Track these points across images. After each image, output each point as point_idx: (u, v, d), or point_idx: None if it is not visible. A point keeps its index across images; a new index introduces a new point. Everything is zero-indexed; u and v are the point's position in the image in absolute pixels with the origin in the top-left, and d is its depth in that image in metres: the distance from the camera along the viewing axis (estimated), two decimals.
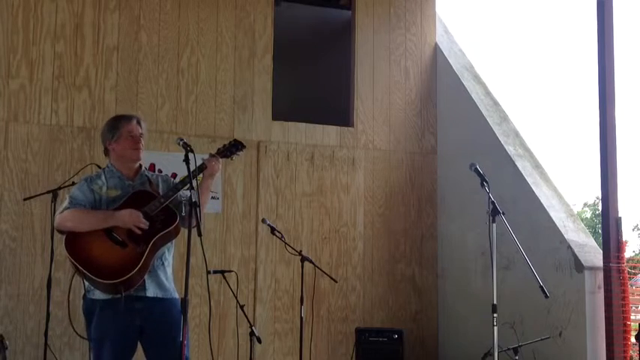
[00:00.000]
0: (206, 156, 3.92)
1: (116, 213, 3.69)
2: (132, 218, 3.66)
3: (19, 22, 6.22)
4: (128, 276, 3.61)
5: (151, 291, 3.74)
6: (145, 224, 3.67)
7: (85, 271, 3.61)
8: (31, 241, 6.03)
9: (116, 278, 3.60)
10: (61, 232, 3.76)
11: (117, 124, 3.89)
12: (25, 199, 5.72)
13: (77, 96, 6.32)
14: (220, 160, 3.91)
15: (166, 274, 3.84)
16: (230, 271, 5.35)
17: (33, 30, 6.25)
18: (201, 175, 3.90)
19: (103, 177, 3.86)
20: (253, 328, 4.91)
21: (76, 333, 3.83)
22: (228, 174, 6.60)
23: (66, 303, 6.00)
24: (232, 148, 3.98)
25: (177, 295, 3.83)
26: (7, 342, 4.94)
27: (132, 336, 3.73)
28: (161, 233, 3.70)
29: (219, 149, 3.99)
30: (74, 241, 3.67)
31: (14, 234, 6.00)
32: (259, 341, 4.88)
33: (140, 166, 3.95)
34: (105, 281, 3.61)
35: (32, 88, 6.20)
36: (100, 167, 5.60)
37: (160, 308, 3.73)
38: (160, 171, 6.22)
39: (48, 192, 5.50)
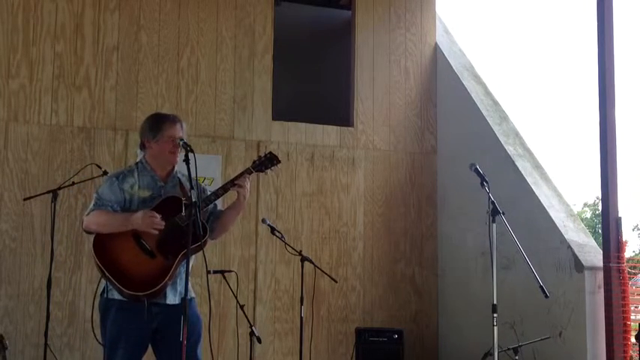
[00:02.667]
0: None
1: (132, 216, 3.64)
2: (145, 221, 3.61)
3: (19, 21, 6.22)
4: (154, 290, 3.60)
5: (170, 299, 3.74)
6: (160, 225, 3.62)
7: (110, 277, 3.58)
8: (31, 241, 6.03)
9: (141, 290, 3.59)
10: (89, 233, 3.74)
11: (160, 125, 3.82)
12: (25, 199, 5.72)
13: (77, 96, 6.32)
14: (250, 177, 3.84)
15: (182, 279, 3.83)
16: (230, 271, 5.34)
17: (33, 30, 6.25)
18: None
19: (135, 174, 3.81)
20: (253, 328, 4.91)
21: (97, 340, 3.82)
22: (228, 174, 6.59)
23: (66, 303, 6.03)
24: (267, 162, 3.91)
25: (193, 295, 3.85)
26: (7, 342, 4.95)
27: (146, 338, 3.74)
28: (191, 247, 3.63)
29: (254, 162, 3.92)
30: (102, 244, 3.64)
31: (14, 234, 6.00)
32: (259, 341, 4.87)
33: (172, 168, 3.90)
34: (129, 292, 3.59)
35: (32, 88, 6.20)
36: (99, 167, 5.64)
37: (177, 312, 3.72)
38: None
39: (48, 192, 5.50)
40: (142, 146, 3.88)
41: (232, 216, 3.95)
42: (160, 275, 3.62)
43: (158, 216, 3.64)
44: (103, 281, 3.75)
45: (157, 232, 3.64)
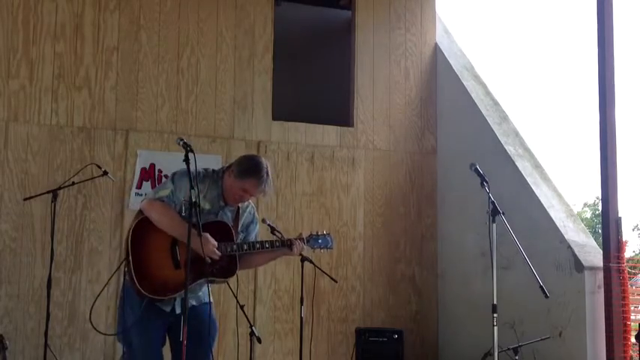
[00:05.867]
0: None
1: (196, 234, 3.59)
2: (207, 248, 3.61)
3: (19, 21, 6.22)
4: (158, 298, 3.65)
5: (178, 309, 3.76)
6: (216, 255, 3.65)
7: (131, 262, 3.59)
8: (31, 241, 6.03)
9: (148, 291, 3.62)
10: (140, 214, 3.72)
11: (247, 176, 3.79)
12: (25, 199, 5.72)
13: (77, 96, 6.32)
14: (304, 246, 3.98)
15: (200, 288, 3.86)
16: None
17: (33, 30, 6.25)
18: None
19: (207, 183, 3.80)
20: (253, 328, 4.90)
21: (95, 329, 3.83)
22: None
23: (66, 303, 6.03)
24: (322, 243, 4.08)
25: (209, 299, 3.88)
26: (7, 342, 4.95)
27: (164, 329, 3.79)
28: (213, 279, 3.71)
29: (311, 234, 4.06)
30: (142, 230, 3.65)
31: (14, 234, 6.00)
32: (259, 341, 4.87)
33: None
34: (137, 285, 3.61)
35: (32, 88, 6.20)
36: (99, 167, 5.64)
37: (193, 312, 3.76)
38: (159, 171, 6.22)
39: (48, 192, 5.51)
40: (227, 169, 3.87)
41: (262, 262, 4.07)
42: (172, 288, 3.65)
43: (218, 253, 3.66)
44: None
45: (209, 261, 3.65)
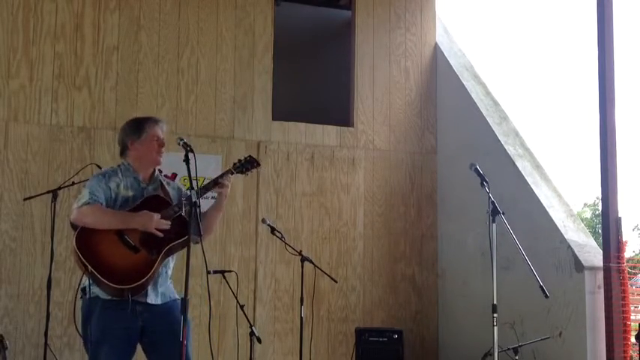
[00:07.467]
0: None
1: (137, 215, 3.65)
2: (153, 222, 3.63)
3: (19, 21, 6.22)
4: (138, 283, 3.60)
5: (152, 298, 3.73)
6: (166, 225, 3.65)
7: (94, 271, 3.56)
8: (31, 241, 6.03)
9: (126, 284, 3.57)
10: (75, 227, 3.69)
11: (143, 125, 3.85)
12: (25, 199, 5.72)
13: (77, 96, 6.32)
14: (231, 177, 3.94)
15: (166, 280, 3.84)
16: (230, 271, 5.34)
17: (33, 30, 6.25)
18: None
19: (119, 174, 3.82)
20: (253, 328, 4.91)
21: (79, 333, 3.80)
22: None
23: (66, 303, 6.03)
24: (247, 164, 4.04)
25: (177, 296, 3.84)
26: (7, 342, 4.94)
27: (133, 337, 3.72)
28: (174, 243, 3.67)
29: (234, 164, 4.03)
30: (85, 239, 3.62)
31: (14, 234, 6.00)
32: (259, 341, 4.88)
33: (154, 170, 3.93)
34: (114, 285, 3.57)
35: (32, 88, 6.20)
36: (99, 167, 5.63)
37: (162, 310, 3.73)
38: (159, 171, 6.21)
39: (48, 192, 5.50)
40: (124, 150, 3.89)
41: (214, 216, 3.99)
42: (144, 270, 3.61)
43: (165, 221, 3.67)
44: (84, 281, 3.73)
45: (161, 235, 3.65)
